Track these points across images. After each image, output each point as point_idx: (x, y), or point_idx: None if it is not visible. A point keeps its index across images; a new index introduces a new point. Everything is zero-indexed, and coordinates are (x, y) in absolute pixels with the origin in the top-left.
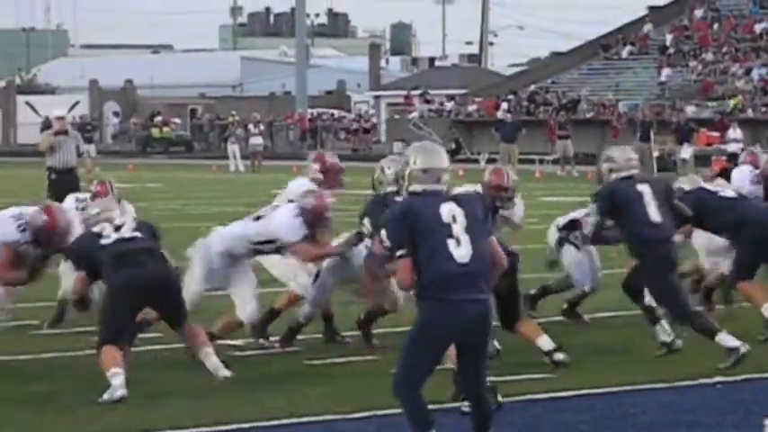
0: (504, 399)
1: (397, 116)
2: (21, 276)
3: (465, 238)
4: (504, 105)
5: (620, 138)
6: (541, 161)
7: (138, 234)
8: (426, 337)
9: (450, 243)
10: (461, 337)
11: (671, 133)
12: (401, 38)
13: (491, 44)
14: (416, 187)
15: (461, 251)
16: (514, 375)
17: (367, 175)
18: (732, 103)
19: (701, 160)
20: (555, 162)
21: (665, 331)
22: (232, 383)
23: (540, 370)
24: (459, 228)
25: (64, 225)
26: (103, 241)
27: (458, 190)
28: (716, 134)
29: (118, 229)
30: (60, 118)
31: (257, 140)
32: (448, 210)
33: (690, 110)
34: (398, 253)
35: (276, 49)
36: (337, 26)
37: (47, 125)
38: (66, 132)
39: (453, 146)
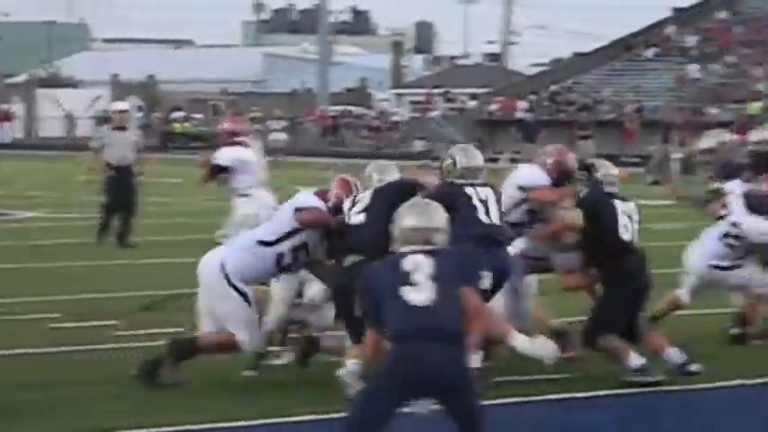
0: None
1: (417, 114)
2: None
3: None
4: (523, 105)
5: (635, 139)
6: None
7: None
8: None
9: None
10: (423, 389)
11: (695, 135)
12: (424, 36)
13: (513, 44)
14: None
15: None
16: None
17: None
18: (755, 105)
19: None
20: None
21: None
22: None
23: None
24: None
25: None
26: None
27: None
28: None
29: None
30: (123, 111)
31: (279, 136)
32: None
33: (711, 112)
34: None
35: (299, 45)
36: (360, 24)
37: (71, 119)
38: (124, 128)
39: (477, 144)
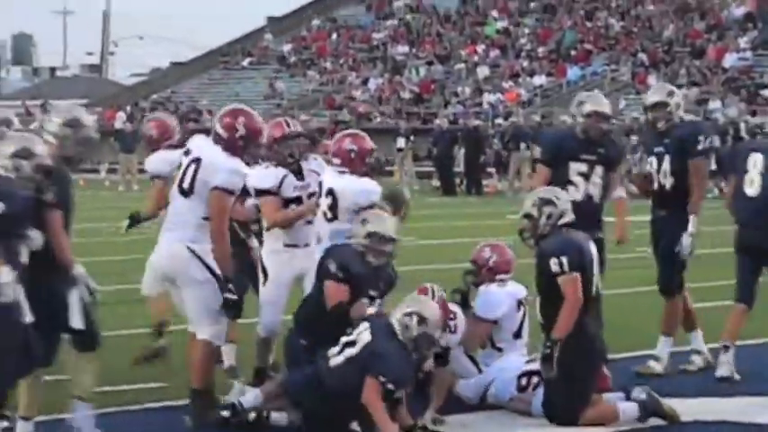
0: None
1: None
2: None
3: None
4: (121, 115)
5: None
6: None
7: None
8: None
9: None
10: None
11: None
12: (22, 48)
13: (112, 54)
14: None
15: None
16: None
17: None
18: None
19: None
20: None
21: None
22: None
23: None
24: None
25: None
26: None
27: None
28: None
29: None
30: None
31: None
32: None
33: (304, 119)
34: None
35: None
36: None
37: None
38: None
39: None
